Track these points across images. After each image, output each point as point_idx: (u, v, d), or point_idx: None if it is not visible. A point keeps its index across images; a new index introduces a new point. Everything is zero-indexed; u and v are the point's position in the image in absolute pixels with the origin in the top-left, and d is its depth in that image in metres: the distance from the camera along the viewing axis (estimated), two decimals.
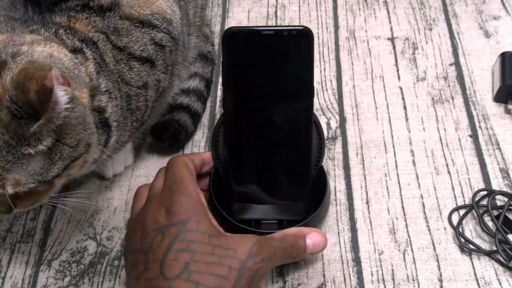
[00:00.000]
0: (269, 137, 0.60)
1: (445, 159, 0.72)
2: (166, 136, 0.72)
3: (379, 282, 0.62)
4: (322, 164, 0.64)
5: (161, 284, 0.51)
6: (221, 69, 0.59)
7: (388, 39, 0.86)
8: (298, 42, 0.57)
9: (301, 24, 0.66)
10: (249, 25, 0.88)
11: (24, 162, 0.50)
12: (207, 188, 0.64)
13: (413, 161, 0.72)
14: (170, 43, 0.65)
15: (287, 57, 0.57)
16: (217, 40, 0.87)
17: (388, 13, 0.90)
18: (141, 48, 0.61)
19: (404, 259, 0.64)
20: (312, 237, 0.58)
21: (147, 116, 0.66)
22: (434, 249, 0.64)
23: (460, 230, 0.65)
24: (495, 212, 0.65)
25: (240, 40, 0.56)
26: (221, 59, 0.59)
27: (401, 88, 0.80)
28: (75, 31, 0.58)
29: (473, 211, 0.66)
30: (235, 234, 0.56)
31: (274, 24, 0.88)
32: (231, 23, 0.90)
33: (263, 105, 0.59)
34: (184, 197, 0.55)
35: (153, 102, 0.65)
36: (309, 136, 0.61)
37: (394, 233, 0.66)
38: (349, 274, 0.63)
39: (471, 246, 0.64)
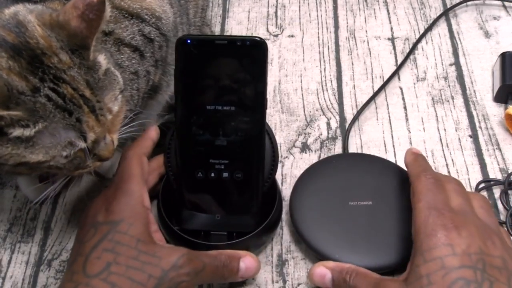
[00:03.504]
0: (220, 147, 0.59)
1: (445, 159, 0.72)
2: (161, 142, 0.71)
3: None
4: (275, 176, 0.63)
5: (80, 279, 0.51)
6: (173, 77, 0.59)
7: (388, 39, 0.86)
8: (252, 52, 0.56)
9: (257, 35, 0.65)
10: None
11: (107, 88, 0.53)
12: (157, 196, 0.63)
13: None
14: (160, 38, 0.64)
15: (240, 68, 0.57)
16: None
17: (388, 13, 0.90)
18: (130, 35, 0.61)
19: None
20: (246, 260, 0.57)
21: (138, 106, 0.66)
22: None
23: None
24: None
25: (193, 49, 0.56)
26: (174, 67, 0.58)
27: (401, 88, 0.80)
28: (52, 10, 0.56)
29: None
30: (168, 244, 0.56)
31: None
32: (231, 23, 0.90)
33: (215, 114, 0.58)
34: (124, 197, 0.56)
35: (143, 94, 0.65)
36: (261, 149, 0.60)
37: None
38: None
39: None
